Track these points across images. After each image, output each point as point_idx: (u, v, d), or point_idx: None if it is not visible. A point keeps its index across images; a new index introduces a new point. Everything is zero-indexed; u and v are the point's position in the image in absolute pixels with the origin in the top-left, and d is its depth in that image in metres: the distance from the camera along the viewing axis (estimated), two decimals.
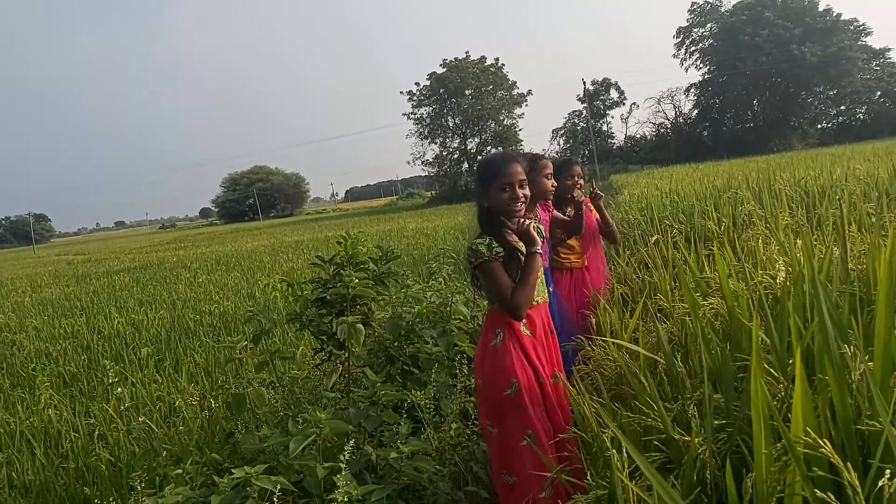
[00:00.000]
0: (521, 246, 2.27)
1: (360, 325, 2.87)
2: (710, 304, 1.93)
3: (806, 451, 1.05)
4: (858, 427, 1.16)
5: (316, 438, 2.33)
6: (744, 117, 56.37)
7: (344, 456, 2.08)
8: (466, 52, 53.16)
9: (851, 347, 1.22)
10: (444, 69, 51.41)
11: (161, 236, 58.69)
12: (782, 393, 1.43)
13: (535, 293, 2.30)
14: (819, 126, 55.28)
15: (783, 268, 1.83)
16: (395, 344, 3.72)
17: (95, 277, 16.49)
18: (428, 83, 52.20)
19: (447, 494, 2.75)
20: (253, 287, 10.35)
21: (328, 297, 3.57)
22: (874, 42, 52.69)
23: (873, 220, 3.42)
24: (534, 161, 3.37)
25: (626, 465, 1.32)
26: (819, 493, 1.06)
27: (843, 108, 55.47)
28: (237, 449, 3.10)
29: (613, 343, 2.29)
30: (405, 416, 2.90)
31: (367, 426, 2.62)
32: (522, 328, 2.29)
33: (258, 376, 3.09)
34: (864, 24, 51.51)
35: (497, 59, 52.14)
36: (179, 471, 2.31)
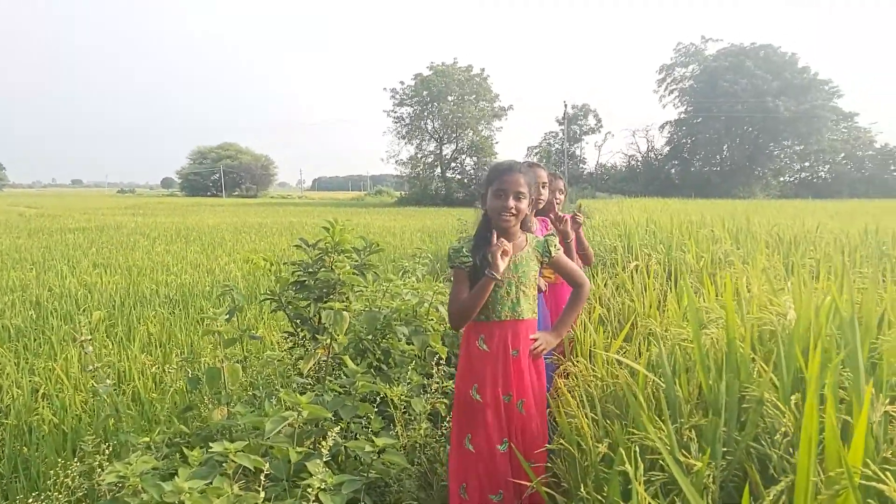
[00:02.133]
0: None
1: (345, 313, 2.82)
2: (711, 333, 1.94)
3: (862, 482, 1.06)
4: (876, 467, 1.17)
5: (292, 422, 2.27)
6: (712, 160, 57.84)
7: (327, 442, 2.03)
8: (454, 59, 53.38)
9: (871, 389, 1.24)
10: (430, 72, 51.46)
11: (119, 200, 56.98)
12: (789, 425, 1.44)
13: (510, 311, 2.31)
14: (782, 178, 57.09)
15: (791, 307, 1.85)
16: (369, 337, 3.67)
17: (48, 233, 15.90)
18: (412, 83, 52.18)
19: (411, 493, 2.72)
20: (213, 263, 10.13)
21: (308, 281, 3.51)
22: (844, 105, 54.82)
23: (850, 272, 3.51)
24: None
25: (640, 481, 1.31)
26: None
27: (807, 164, 57.43)
28: (188, 423, 3.02)
29: (604, 359, 2.29)
30: (375, 410, 2.86)
31: (343, 415, 2.57)
32: (479, 342, 2.32)
33: (230, 352, 3.00)
34: (837, 87, 53.52)
35: (483, 70, 52.50)
36: (147, 439, 2.22)
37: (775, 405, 1.49)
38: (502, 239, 2.25)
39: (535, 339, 2.35)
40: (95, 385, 2.71)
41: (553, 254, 2.40)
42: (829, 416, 1.11)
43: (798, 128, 51.50)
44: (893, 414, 1.21)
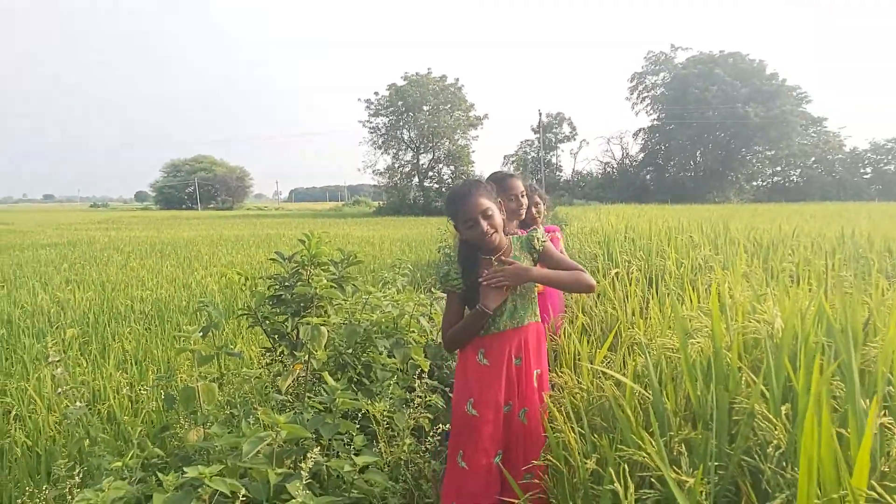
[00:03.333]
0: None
1: (323, 328, 2.75)
2: (698, 342, 1.91)
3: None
4: (872, 482, 1.14)
5: (270, 442, 2.19)
6: (686, 166, 58.59)
7: (307, 463, 1.96)
8: (428, 69, 53.50)
9: (867, 401, 1.21)
10: (405, 82, 51.52)
11: (92, 215, 56.10)
12: (781, 437, 1.41)
13: (508, 319, 2.27)
14: (754, 183, 58.02)
15: (778, 315, 1.83)
16: (349, 351, 3.60)
17: (19, 249, 15.56)
18: (387, 94, 52.16)
19: None
20: (189, 277, 9.96)
21: (285, 295, 3.43)
22: (812, 110, 55.97)
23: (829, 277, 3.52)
24: (502, 181, 3.32)
25: (631, 501, 1.27)
26: None
27: (779, 168, 58.52)
28: (166, 444, 2.93)
29: (590, 371, 2.25)
30: (357, 427, 2.79)
31: (323, 433, 2.50)
32: (479, 357, 2.27)
33: (208, 371, 2.92)
34: (805, 92, 54.66)
35: (457, 80, 52.66)
36: (119, 463, 2.13)
37: (766, 417, 1.46)
38: (488, 276, 2.20)
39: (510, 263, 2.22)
40: (43, 409, 2.61)
41: (538, 247, 2.35)
42: (826, 433, 1.08)
43: (768, 133, 52.39)
44: (888, 426, 1.18)
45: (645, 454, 1.57)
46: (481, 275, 2.22)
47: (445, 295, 2.38)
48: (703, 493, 1.37)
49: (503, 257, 2.25)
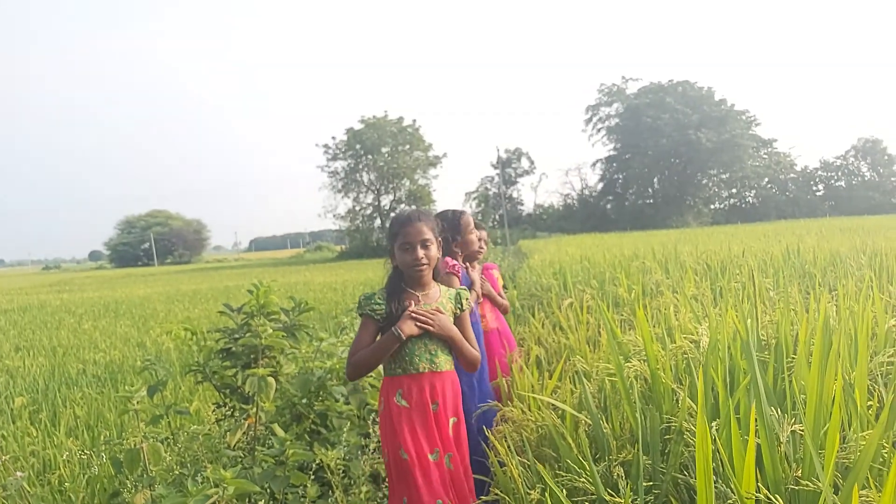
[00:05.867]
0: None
1: (270, 379, 2.72)
2: (633, 366, 1.94)
3: None
4: (788, 487, 1.17)
5: (217, 500, 2.14)
6: (644, 193, 59.95)
7: None
8: (385, 111, 54.11)
9: (778, 410, 1.24)
10: (362, 125, 51.97)
11: (44, 277, 54.69)
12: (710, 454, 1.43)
13: (427, 362, 2.24)
14: (712, 206, 59.64)
15: (705, 334, 1.87)
16: (304, 401, 3.55)
17: None
18: (345, 138, 52.50)
19: None
20: (144, 336, 9.73)
21: (234, 348, 3.38)
22: (762, 132, 58.07)
23: (772, 293, 3.62)
24: (455, 220, 3.38)
25: None
26: None
27: (734, 190, 60.30)
28: None
29: (537, 402, 2.26)
30: (312, 478, 2.74)
31: (274, 487, 2.45)
32: (397, 398, 2.24)
33: (154, 430, 2.84)
34: (754, 116, 56.88)
35: (414, 121, 53.36)
36: None
37: (694, 433, 1.48)
38: (420, 309, 2.21)
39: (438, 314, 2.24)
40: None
41: (464, 307, 2.37)
42: (737, 443, 1.10)
43: (721, 157, 54.07)
44: (801, 432, 1.21)
45: (583, 479, 1.58)
46: (405, 306, 2.22)
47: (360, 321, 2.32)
48: None
49: (433, 307, 2.25)
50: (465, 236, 3.38)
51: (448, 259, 3.01)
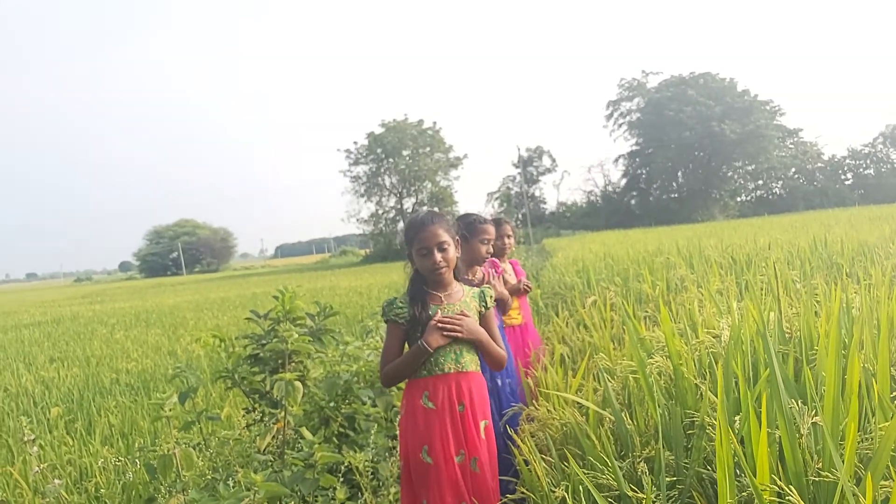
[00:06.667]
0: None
1: (297, 383, 2.76)
2: (656, 362, 1.94)
3: (771, 498, 1.05)
4: (808, 479, 1.17)
5: (249, 503, 2.19)
6: (669, 188, 59.29)
7: None
8: (405, 114, 54.30)
9: (798, 402, 1.25)
10: (383, 129, 52.22)
11: (76, 289, 55.76)
12: (734, 449, 1.43)
13: (453, 363, 2.25)
14: (739, 199, 58.75)
15: (726, 328, 1.87)
16: (331, 404, 3.59)
17: (2, 331, 15.42)
18: (366, 142, 52.80)
19: None
20: (175, 344, 9.91)
21: (261, 353, 3.44)
22: (787, 122, 57.05)
23: (798, 286, 3.58)
24: (472, 225, 3.38)
25: None
26: None
27: (760, 182, 59.32)
28: None
29: (561, 399, 2.27)
30: (341, 480, 2.78)
31: (304, 490, 2.49)
32: (423, 400, 2.24)
33: (185, 436, 2.91)
34: (778, 106, 55.82)
35: (434, 123, 53.47)
36: None
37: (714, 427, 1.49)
38: (445, 319, 2.22)
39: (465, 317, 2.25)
40: (28, 492, 2.59)
41: (489, 305, 2.39)
42: (756, 436, 1.10)
43: (746, 148, 53.24)
44: (821, 424, 1.21)
45: (608, 476, 1.59)
46: (426, 308, 2.25)
47: (386, 330, 2.34)
48: None
49: (460, 311, 2.27)
50: (476, 244, 3.36)
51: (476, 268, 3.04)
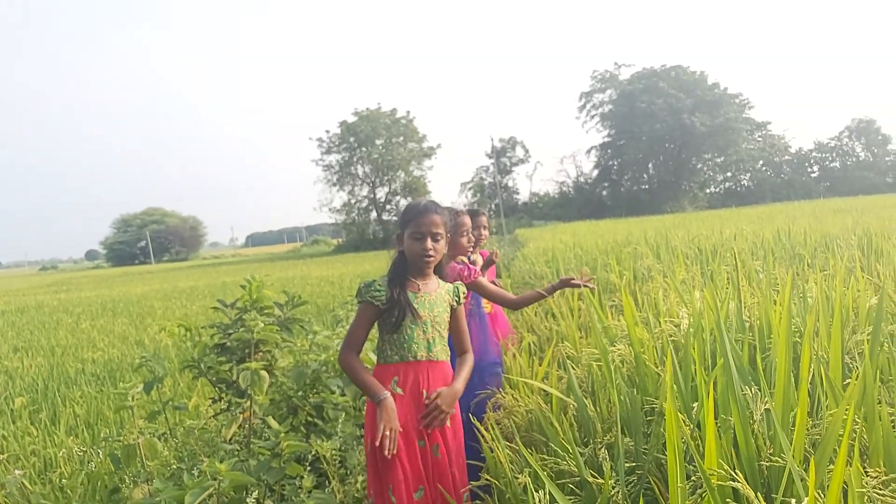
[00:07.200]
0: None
1: (263, 372, 2.74)
2: (618, 350, 1.97)
3: (719, 483, 1.08)
4: (760, 464, 1.20)
5: (213, 492, 2.17)
6: (640, 179, 59.94)
7: None
8: (378, 104, 53.91)
9: (752, 389, 1.28)
10: (356, 118, 51.79)
11: (41, 278, 54.61)
12: (687, 434, 1.46)
13: (425, 351, 2.25)
14: (708, 190, 59.66)
15: (686, 317, 1.91)
16: (300, 393, 3.58)
17: None
18: (338, 131, 52.32)
19: None
20: (142, 334, 9.77)
21: (228, 343, 3.41)
22: (756, 115, 57.99)
23: (761, 276, 3.65)
24: (453, 218, 3.40)
25: None
26: None
27: (729, 174, 60.33)
28: None
29: (525, 386, 2.29)
30: (309, 468, 2.78)
31: (269, 479, 2.49)
32: (392, 385, 2.23)
33: (150, 426, 2.88)
34: (747, 99, 56.72)
35: (408, 112, 53.19)
36: None
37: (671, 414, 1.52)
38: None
39: (438, 396, 2.20)
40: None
41: (461, 301, 2.40)
42: (709, 423, 1.13)
43: (716, 141, 54.05)
44: (772, 410, 1.25)
45: (568, 462, 1.61)
46: (405, 291, 2.26)
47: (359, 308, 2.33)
48: (620, 493, 1.41)
49: (431, 296, 2.29)
50: (457, 237, 3.38)
51: (455, 265, 3.05)
